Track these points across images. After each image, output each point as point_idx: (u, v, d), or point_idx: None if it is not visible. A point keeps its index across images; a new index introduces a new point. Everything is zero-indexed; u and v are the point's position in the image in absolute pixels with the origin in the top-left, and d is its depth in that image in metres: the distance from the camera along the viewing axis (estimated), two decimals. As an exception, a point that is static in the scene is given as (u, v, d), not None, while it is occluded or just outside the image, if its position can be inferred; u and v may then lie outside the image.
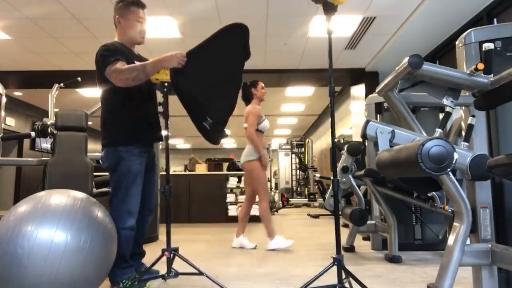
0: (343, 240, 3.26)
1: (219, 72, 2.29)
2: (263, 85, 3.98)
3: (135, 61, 2.28)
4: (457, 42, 1.91)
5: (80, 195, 1.97)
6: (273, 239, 3.69)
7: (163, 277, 2.27)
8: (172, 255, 2.24)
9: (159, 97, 2.42)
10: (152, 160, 2.43)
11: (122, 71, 2.10)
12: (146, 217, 2.44)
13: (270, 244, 3.69)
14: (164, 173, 2.41)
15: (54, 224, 1.72)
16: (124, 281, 2.15)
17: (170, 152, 2.36)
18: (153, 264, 2.21)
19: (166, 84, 2.23)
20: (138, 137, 2.28)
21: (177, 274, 2.27)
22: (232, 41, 2.32)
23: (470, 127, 1.75)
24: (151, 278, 2.32)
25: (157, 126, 2.43)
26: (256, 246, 3.79)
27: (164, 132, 2.36)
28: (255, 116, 3.83)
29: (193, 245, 4.02)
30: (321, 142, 12.37)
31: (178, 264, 2.29)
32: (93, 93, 7.55)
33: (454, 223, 1.68)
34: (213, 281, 2.20)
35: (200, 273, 2.20)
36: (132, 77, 2.10)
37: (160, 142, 2.71)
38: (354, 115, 7.47)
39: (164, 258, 2.22)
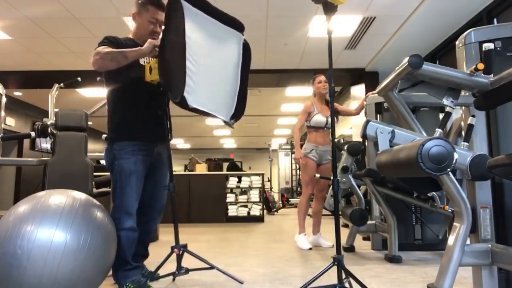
0: (343, 240, 3.26)
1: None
2: (321, 79, 3.97)
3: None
4: (457, 42, 1.91)
5: (80, 195, 1.97)
6: (299, 234, 3.83)
7: (174, 274, 2.27)
8: (181, 252, 2.25)
9: None
10: (159, 159, 2.35)
11: (100, 51, 2.04)
12: (153, 217, 2.41)
13: (295, 235, 3.89)
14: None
15: (54, 224, 1.72)
16: (128, 284, 2.13)
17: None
18: (163, 262, 2.21)
19: (159, 84, 2.20)
20: (131, 134, 2.22)
21: (187, 271, 2.27)
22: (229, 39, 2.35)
23: (470, 127, 1.75)
24: (155, 279, 2.32)
25: (160, 125, 2.32)
26: (333, 245, 3.73)
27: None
28: (301, 113, 3.94)
29: (193, 245, 3.99)
30: (321, 142, 12.35)
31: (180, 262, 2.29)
32: (93, 93, 7.55)
33: (454, 223, 1.68)
34: (225, 273, 2.22)
35: (211, 267, 2.20)
36: (109, 58, 2.03)
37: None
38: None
39: (161, 258, 2.23)
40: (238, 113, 2.40)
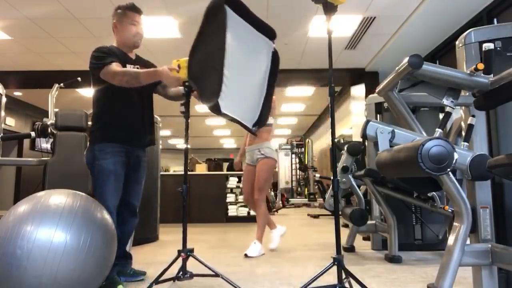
0: (343, 240, 3.26)
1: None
2: None
3: (128, 65, 2.32)
4: (457, 42, 1.91)
5: (80, 194, 1.97)
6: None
7: (178, 278, 2.26)
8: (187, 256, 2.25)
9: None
10: (137, 161, 2.41)
11: (117, 73, 2.16)
12: (128, 217, 2.42)
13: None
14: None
15: (54, 224, 1.72)
16: (102, 282, 2.13)
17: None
18: (168, 267, 2.20)
19: (186, 84, 2.21)
20: (112, 136, 2.27)
21: (192, 275, 2.26)
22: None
23: (470, 127, 1.75)
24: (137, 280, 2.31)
25: (143, 130, 2.40)
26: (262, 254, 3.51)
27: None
28: None
29: (193, 245, 4.01)
30: (321, 142, 12.37)
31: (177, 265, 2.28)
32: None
33: (454, 223, 1.68)
34: (230, 283, 2.17)
35: (216, 275, 2.19)
36: (125, 80, 2.15)
37: (160, 142, 2.68)
38: (354, 115, 7.47)
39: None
40: (261, 120, 2.41)
